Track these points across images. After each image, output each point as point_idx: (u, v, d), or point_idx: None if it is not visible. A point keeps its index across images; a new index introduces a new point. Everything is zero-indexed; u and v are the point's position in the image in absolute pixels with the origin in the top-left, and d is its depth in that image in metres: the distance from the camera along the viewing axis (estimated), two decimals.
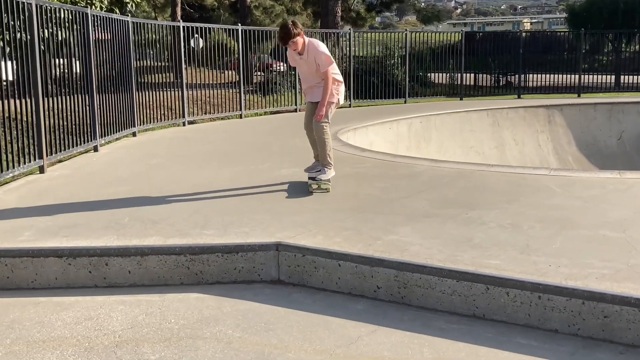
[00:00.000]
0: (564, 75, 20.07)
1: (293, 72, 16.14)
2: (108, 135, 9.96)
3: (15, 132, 7.45)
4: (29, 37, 7.54)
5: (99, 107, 9.52)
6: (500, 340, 3.78)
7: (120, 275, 4.74)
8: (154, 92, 12.35)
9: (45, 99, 7.94)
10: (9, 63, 7.76)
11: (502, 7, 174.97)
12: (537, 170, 7.64)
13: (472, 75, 20.29)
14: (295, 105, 16.07)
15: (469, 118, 15.07)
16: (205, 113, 15.00)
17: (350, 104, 16.80)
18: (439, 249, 4.56)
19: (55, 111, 8.36)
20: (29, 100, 7.65)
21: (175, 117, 13.28)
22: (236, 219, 5.36)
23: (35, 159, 7.66)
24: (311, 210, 5.64)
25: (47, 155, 7.82)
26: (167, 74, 13.49)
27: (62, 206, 5.98)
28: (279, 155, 8.87)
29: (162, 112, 12.82)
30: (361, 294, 4.46)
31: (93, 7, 13.63)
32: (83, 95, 9.21)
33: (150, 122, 11.99)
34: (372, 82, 17.70)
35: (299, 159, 8.19)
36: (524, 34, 21.20)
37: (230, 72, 17.02)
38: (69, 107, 8.71)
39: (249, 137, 10.99)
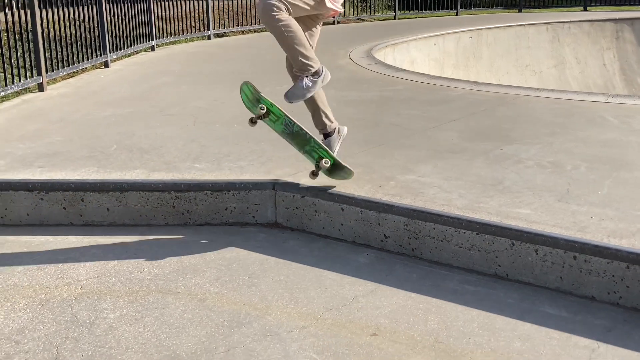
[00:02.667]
0: None
1: None
2: (121, 49, 9.51)
3: (8, 46, 7.07)
4: None
5: (108, 17, 9.04)
6: (523, 309, 3.29)
7: (98, 213, 4.37)
8: (175, 2, 11.78)
9: (44, 9, 7.50)
10: None
11: None
12: (593, 97, 6.90)
13: None
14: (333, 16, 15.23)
15: (525, 33, 14.05)
16: (238, 25, 14.34)
17: (395, 16, 15.90)
18: (461, 192, 4.02)
19: (57, 23, 7.92)
20: (26, 11, 7.23)
21: (202, 29, 12.72)
22: (234, 150, 4.90)
23: (33, 76, 7.29)
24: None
25: (46, 72, 7.44)
26: None
27: (48, 131, 5.62)
28: None
29: (186, 24, 12.28)
30: (366, 243, 3.99)
31: None
32: (90, 5, 8.72)
33: (171, 35, 11.48)
34: None
35: None
36: None
37: None
38: (72, 18, 8.25)
39: (274, 55, 10.38)
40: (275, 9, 3.79)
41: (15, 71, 6.97)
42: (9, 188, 4.37)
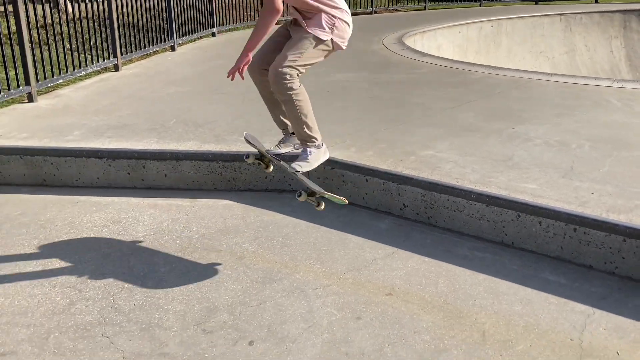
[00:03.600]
0: None
1: None
2: (186, 35, 9.37)
3: (89, 31, 7.01)
4: None
5: (175, 7, 8.89)
6: (525, 275, 3.09)
7: (157, 178, 4.29)
8: None
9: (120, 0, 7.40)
10: None
11: None
12: (600, 81, 6.49)
13: None
14: (371, 7, 14.81)
15: (540, 23, 13.40)
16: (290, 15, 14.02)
17: (425, 7, 15.36)
18: (474, 168, 3.80)
19: (131, 11, 7.81)
20: (104, 1, 7.14)
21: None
22: (275, 126, 4.73)
23: (110, 58, 7.23)
24: (352, 119, 4.93)
25: (121, 54, 7.36)
26: None
27: (119, 105, 5.55)
28: (340, 58, 8.03)
29: (244, 13, 12.06)
30: (387, 211, 3.82)
31: None
32: None
33: (230, 23, 11.29)
34: None
35: (357, 63, 7.38)
36: None
37: None
38: (144, 7, 8.13)
39: None
40: (288, 77, 3.12)
41: (94, 53, 6.91)
42: (82, 155, 4.32)
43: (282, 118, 3.52)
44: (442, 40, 11.51)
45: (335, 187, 4.00)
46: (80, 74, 6.59)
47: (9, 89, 5.40)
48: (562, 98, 5.63)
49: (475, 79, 6.49)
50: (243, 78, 3.21)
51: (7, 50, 5.58)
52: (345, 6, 3.31)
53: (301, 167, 3.34)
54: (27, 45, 5.60)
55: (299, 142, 3.44)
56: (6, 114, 5.25)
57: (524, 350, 2.54)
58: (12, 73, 5.60)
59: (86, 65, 6.65)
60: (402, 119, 4.93)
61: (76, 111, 5.35)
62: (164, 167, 4.27)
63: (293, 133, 3.48)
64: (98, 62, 6.92)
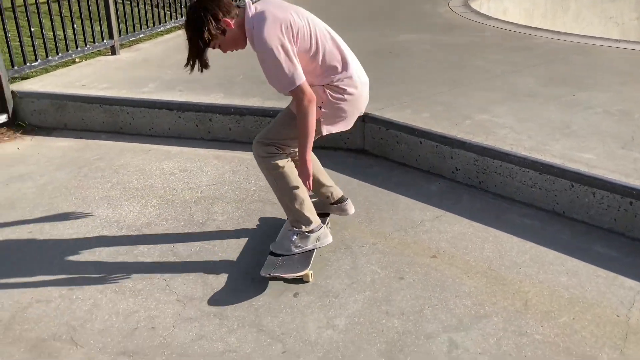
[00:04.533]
0: None
1: None
2: None
3: None
4: None
5: None
6: (574, 246, 2.84)
7: (222, 131, 4.23)
8: None
9: None
10: None
11: None
12: None
13: None
14: None
15: None
16: None
17: None
18: (530, 134, 3.51)
19: None
20: None
21: None
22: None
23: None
24: (412, 80, 4.66)
25: None
26: None
27: None
28: (405, 20, 7.64)
29: None
30: (439, 173, 3.61)
31: None
32: None
33: None
34: None
35: (421, 25, 6.99)
36: None
37: None
38: None
39: None
40: (267, 153, 2.54)
41: (174, 9, 6.85)
42: (155, 106, 4.29)
43: (323, 191, 2.85)
44: (509, 4, 10.77)
45: (389, 148, 3.80)
46: (160, 30, 6.56)
47: (94, 42, 5.43)
48: (627, 65, 5.12)
49: (539, 44, 6.00)
50: (310, 188, 2.53)
51: (94, 7, 5.59)
52: (352, 64, 2.45)
53: (275, 249, 2.65)
54: (112, 2, 5.59)
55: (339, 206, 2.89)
56: (91, 65, 5.30)
57: (566, 323, 2.33)
58: (98, 28, 5.63)
59: (166, 22, 6.61)
60: (461, 81, 4.62)
61: (153, 64, 5.33)
62: (228, 121, 4.19)
63: (334, 203, 2.88)
64: (177, 18, 6.87)
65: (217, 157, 3.95)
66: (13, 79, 4.83)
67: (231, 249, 2.86)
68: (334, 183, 2.87)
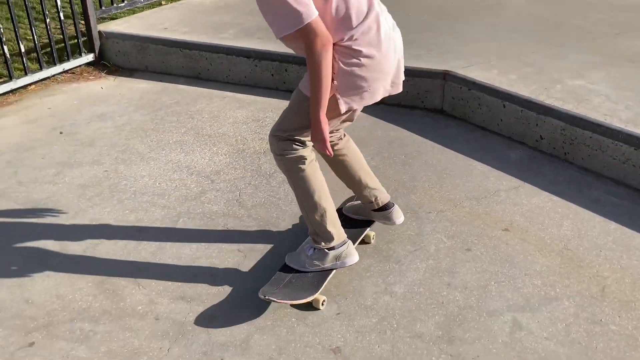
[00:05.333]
0: None
1: None
2: None
3: None
4: None
5: None
6: None
7: (297, 81, 4.15)
8: None
9: None
10: None
11: None
12: None
13: None
14: None
15: None
16: None
17: None
18: (628, 104, 3.18)
19: None
20: None
21: None
22: (417, 39, 4.31)
23: None
24: (501, 37, 4.33)
25: None
26: None
27: None
28: None
29: None
30: (521, 140, 3.37)
31: None
32: None
33: None
34: None
35: None
36: None
37: None
38: None
39: None
40: (282, 149, 2.13)
41: None
42: (232, 53, 4.27)
43: (365, 193, 2.42)
44: None
45: (470, 110, 3.59)
46: None
47: None
48: None
49: None
50: (332, 154, 2.05)
51: None
52: (371, 14, 1.92)
53: (289, 261, 2.29)
54: None
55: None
56: (175, 9, 5.33)
57: None
58: None
59: None
60: (556, 41, 4.25)
61: (235, 10, 5.28)
62: (303, 72, 4.10)
63: (378, 209, 2.46)
64: None
65: (284, 107, 3.89)
66: (101, 19, 4.96)
67: (294, 204, 2.83)
68: (380, 185, 2.45)
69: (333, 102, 1.97)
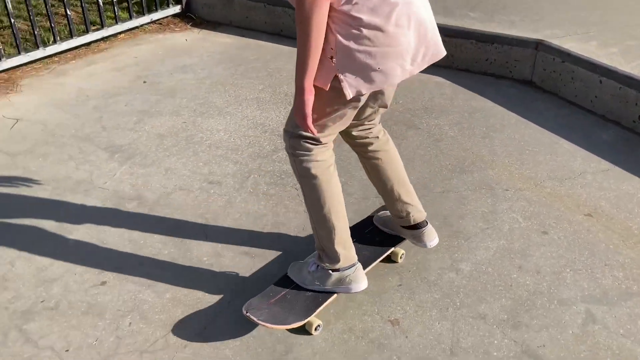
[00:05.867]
0: None
1: None
2: None
3: None
4: None
5: None
6: None
7: None
8: None
9: None
10: None
11: None
12: None
13: None
14: None
15: None
16: None
17: None
18: None
19: None
20: None
21: None
22: (509, 4, 4.03)
23: None
24: (605, 5, 3.96)
25: None
26: None
27: None
28: None
29: None
30: (616, 120, 3.10)
31: None
32: None
33: None
34: None
35: None
36: None
37: None
38: None
39: None
40: (292, 150, 1.81)
41: None
42: None
43: (396, 206, 2.07)
44: None
45: (562, 84, 3.34)
46: None
47: None
48: None
49: None
50: (314, 132, 1.69)
51: None
52: None
53: (291, 272, 2.02)
54: None
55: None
56: None
57: None
58: None
59: None
60: None
61: None
62: None
63: (408, 227, 2.11)
64: None
65: None
66: None
67: (364, 170, 2.76)
68: (417, 200, 2.07)
69: (337, 86, 1.61)
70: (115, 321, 1.97)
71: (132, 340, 1.90)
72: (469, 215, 2.44)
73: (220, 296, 2.07)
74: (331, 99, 1.65)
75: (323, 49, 1.57)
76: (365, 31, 1.54)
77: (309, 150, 1.78)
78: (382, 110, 1.91)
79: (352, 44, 1.55)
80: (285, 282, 2.00)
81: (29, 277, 2.16)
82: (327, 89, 1.62)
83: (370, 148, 1.99)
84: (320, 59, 1.58)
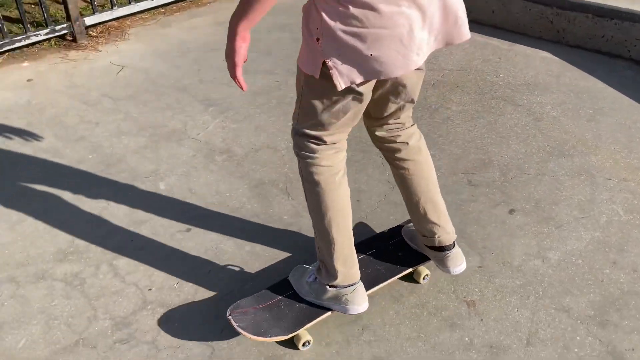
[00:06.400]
0: None
1: None
2: None
3: None
4: None
5: None
6: None
7: (485, 13, 3.79)
8: None
9: None
10: None
11: None
12: None
13: None
14: None
15: None
16: None
17: None
18: None
19: None
20: None
21: None
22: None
23: None
24: None
25: None
26: None
27: None
28: None
29: None
30: None
31: None
32: None
33: None
34: None
35: None
36: None
37: None
38: None
39: None
40: (297, 148, 1.62)
41: None
42: None
43: (421, 224, 1.82)
44: None
45: None
46: None
47: None
48: None
49: None
50: (243, 87, 1.45)
51: None
52: None
53: (292, 277, 1.85)
54: None
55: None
56: None
57: None
58: None
59: None
60: None
61: None
62: (493, 3, 3.73)
63: (433, 247, 1.84)
64: None
65: (470, 41, 3.60)
66: None
67: (455, 144, 2.65)
68: (446, 221, 1.80)
69: (328, 73, 1.38)
70: (195, 268, 2.05)
71: (210, 285, 1.97)
72: (563, 202, 2.28)
73: (300, 255, 2.09)
74: (326, 89, 1.43)
75: (309, 29, 1.38)
76: (352, 9, 1.30)
77: (313, 152, 1.58)
78: (409, 106, 1.64)
79: (338, 25, 1.33)
80: (283, 287, 1.83)
81: (122, 217, 2.29)
82: (318, 77, 1.41)
83: (397, 155, 1.73)
84: (306, 40, 1.40)
